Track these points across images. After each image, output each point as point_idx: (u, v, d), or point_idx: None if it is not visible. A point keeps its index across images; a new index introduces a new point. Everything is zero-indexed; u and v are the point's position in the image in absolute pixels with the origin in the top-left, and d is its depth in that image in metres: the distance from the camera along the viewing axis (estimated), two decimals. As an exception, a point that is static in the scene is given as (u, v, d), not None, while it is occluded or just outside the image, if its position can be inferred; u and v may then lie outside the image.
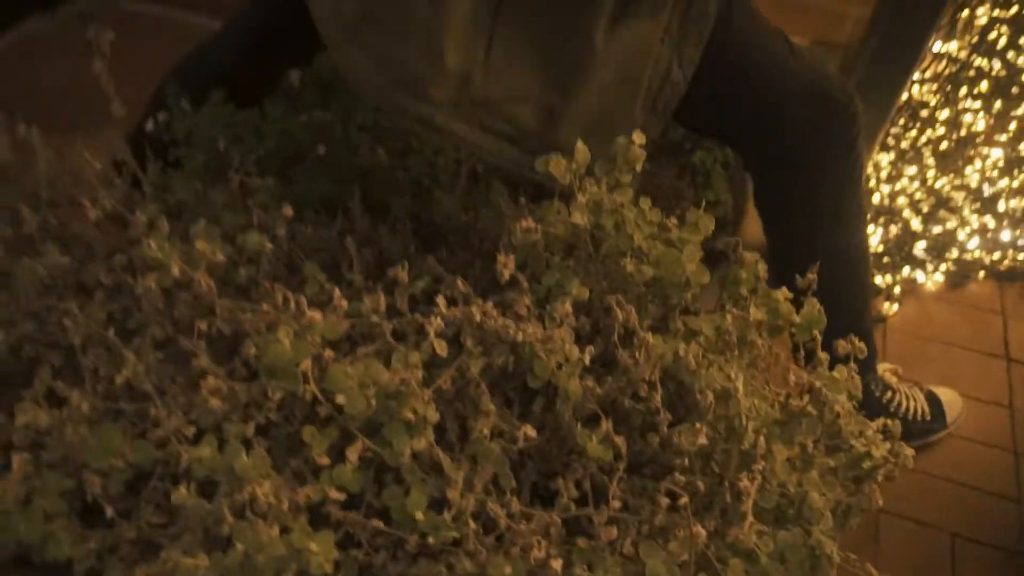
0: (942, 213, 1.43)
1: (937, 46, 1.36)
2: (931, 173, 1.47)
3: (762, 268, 0.67)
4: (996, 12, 1.31)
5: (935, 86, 1.43)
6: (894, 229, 1.45)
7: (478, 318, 0.56)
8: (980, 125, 1.41)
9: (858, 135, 0.89)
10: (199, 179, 0.83)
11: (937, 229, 1.44)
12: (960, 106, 1.42)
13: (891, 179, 1.50)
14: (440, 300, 0.58)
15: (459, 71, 0.69)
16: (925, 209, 1.46)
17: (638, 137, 0.65)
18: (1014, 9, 1.30)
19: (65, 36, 2.07)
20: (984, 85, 1.38)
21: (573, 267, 0.64)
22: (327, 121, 0.97)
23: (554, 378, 0.58)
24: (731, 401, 0.59)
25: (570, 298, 0.62)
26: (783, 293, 0.67)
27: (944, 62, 1.38)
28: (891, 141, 1.51)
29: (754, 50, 0.81)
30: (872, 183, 1.48)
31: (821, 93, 0.85)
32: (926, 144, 1.48)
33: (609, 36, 0.69)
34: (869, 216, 1.47)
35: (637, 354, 0.58)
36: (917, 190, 1.48)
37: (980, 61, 1.36)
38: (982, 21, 1.33)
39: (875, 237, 1.46)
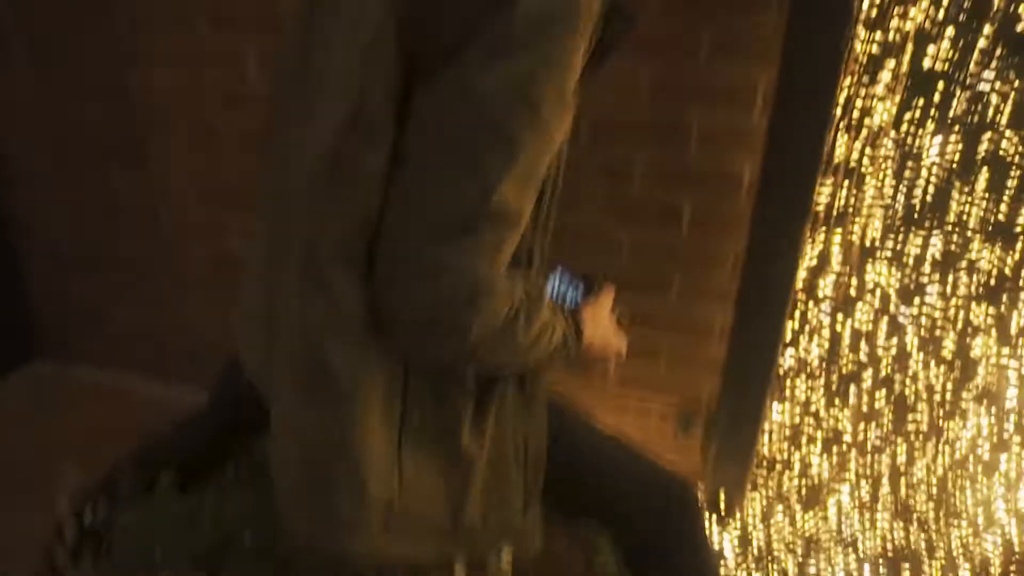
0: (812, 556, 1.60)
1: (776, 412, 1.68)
2: (799, 515, 1.68)
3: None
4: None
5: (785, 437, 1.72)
6: (773, 569, 1.60)
7: None
8: (825, 474, 1.67)
9: (699, 513, 1.07)
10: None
11: (811, 571, 1.59)
12: (806, 453, 1.69)
13: (765, 519, 1.70)
14: None
15: (383, 498, 0.84)
16: (798, 551, 1.63)
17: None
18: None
19: (15, 400, 2.22)
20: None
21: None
22: (257, 509, 1.10)
23: None
24: None
25: None
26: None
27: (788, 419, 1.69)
28: (760, 481, 1.74)
29: (587, 452, 1.01)
30: (749, 528, 1.67)
31: (656, 483, 1.04)
32: (790, 486, 1.72)
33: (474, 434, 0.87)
34: (751, 559, 1.63)
35: None
36: (789, 532, 1.67)
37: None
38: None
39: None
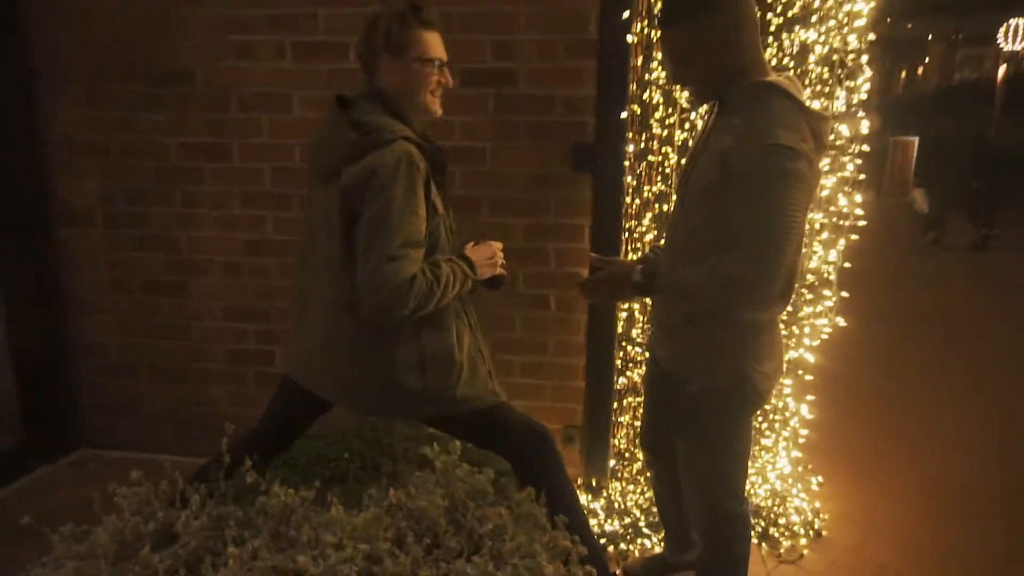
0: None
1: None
2: (641, 488, 2.63)
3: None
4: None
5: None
6: (627, 519, 2.53)
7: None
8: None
9: (549, 445, 1.95)
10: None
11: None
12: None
13: (622, 493, 2.64)
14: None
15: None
16: (640, 509, 2.57)
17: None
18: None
19: (65, 477, 2.91)
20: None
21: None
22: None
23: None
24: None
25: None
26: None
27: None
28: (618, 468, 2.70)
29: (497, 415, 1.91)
30: (613, 497, 2.61)
31: (532, 427, 1.93)
32: (632, 469, 2.68)
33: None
34: (615, 515, 2.55)
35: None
36: (633, 499, 2.61)
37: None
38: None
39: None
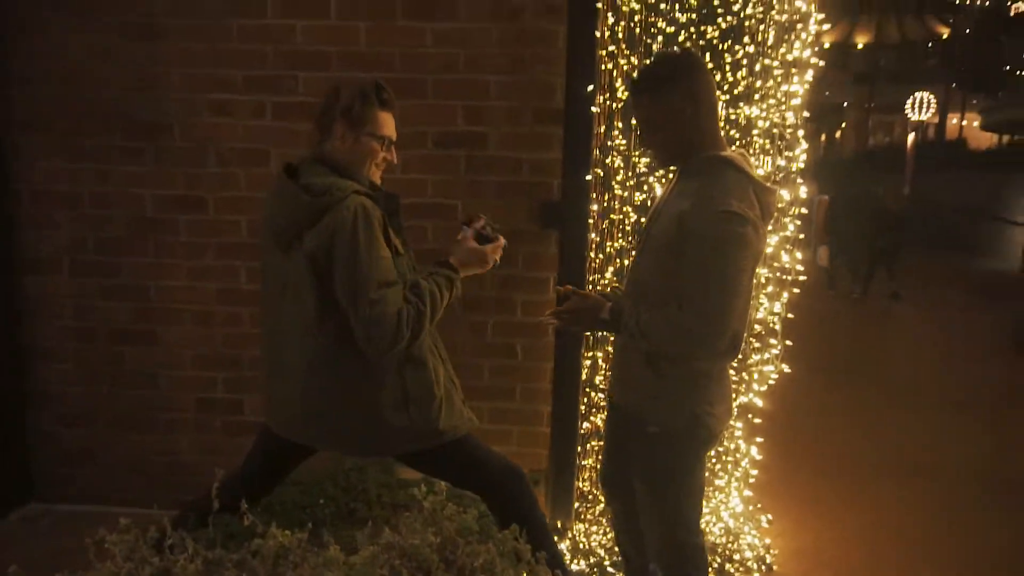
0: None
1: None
2: (603, 528, 2.74)
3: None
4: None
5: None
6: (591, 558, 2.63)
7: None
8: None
9: (524, 483, 2.05)
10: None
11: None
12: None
13: (586, 534, 2.74)
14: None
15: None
16: (604, 549, 2.67)
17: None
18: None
19: (15, 532, 2.81)
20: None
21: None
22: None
23: None
24: None
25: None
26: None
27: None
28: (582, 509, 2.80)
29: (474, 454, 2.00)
30: (578, 537, 2.71)
31: (509, 468, 2.04)
32: (596, 510, 2.79)
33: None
34: (580, 555, 2.65)
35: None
36: (597, 538, 2.72)
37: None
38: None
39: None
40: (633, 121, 2.44)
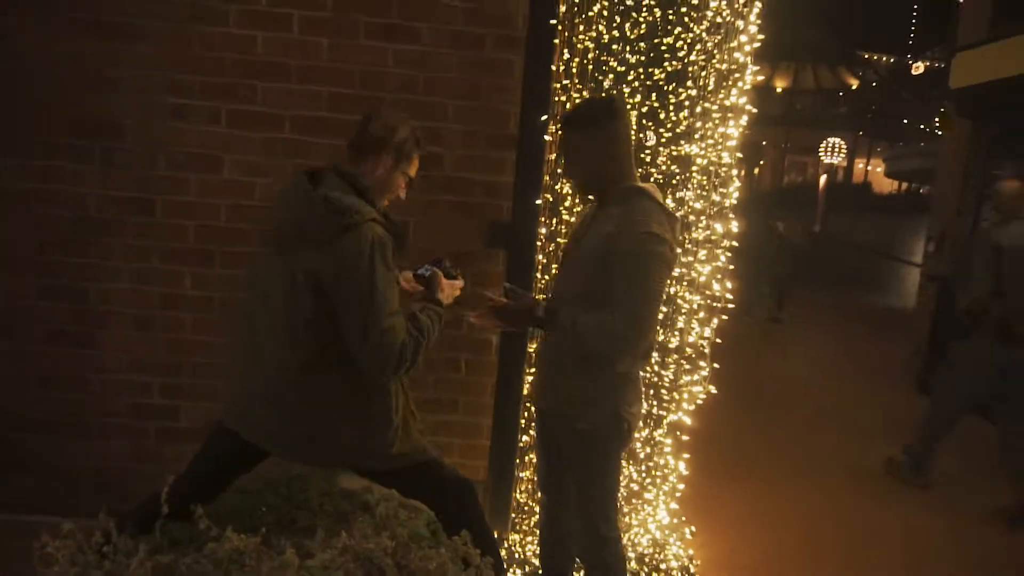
0: None
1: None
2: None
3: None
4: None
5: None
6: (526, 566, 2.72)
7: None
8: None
9: (473, 495, 2.14)
10: None
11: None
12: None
13: (521, 544, 2.83)
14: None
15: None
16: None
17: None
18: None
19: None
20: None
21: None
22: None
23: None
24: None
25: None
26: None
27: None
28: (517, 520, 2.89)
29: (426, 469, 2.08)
30: (514, 547, 2.80)
31: (456, 479, 2.12)
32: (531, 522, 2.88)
33: None
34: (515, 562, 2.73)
35: None
36: (531, 546, 2.81)
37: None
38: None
39: None
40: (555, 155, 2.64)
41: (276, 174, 2.73)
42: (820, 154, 15.65)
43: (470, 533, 1.84)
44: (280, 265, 1.86)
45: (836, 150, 14.94)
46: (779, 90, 28.53)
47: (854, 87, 29.98)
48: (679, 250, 2.09)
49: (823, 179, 15.35)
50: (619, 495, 2.25)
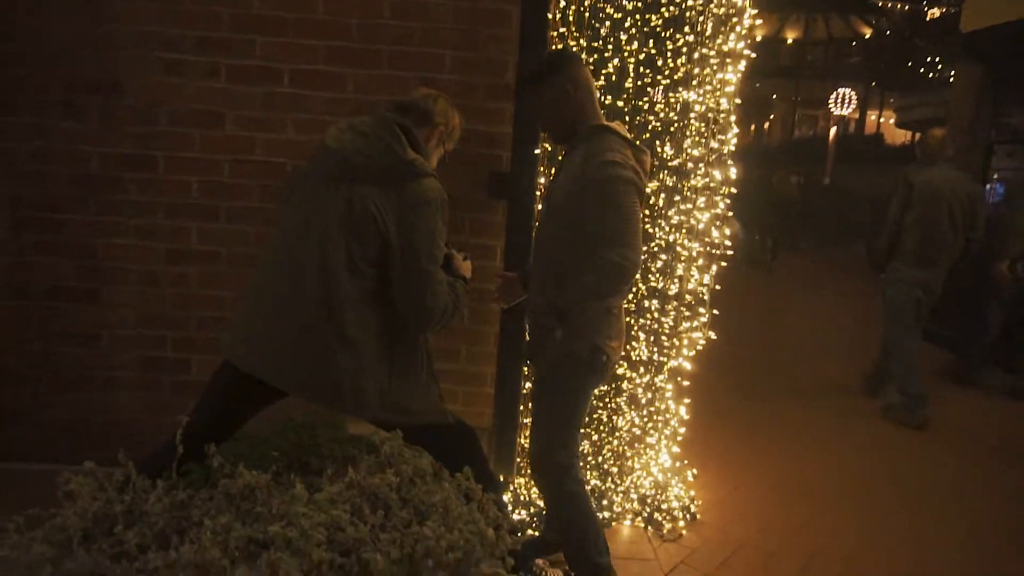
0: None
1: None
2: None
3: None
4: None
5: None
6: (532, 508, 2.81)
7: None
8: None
9: (476, 440, 2.22)
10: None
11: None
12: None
13: (527, 486, 2.92)
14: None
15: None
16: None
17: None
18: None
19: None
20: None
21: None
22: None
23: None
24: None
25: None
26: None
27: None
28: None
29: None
30: (520, 489, 2.89)
31: (461, 425, 2.19)
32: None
33: None
34: (520, 504, 2.82)
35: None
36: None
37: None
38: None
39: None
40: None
41: (276, 129, 2.76)
42: (831, 106, 15.39)
43: (475, 476, 1.92)
44: (328, 200, 1.86)
45: (847, 101, 14.68)
46: (789, 41, 27.89)
47: (867, 36, 29.26)
48: (645, 179, 2.11)
49: (832, 131, 15.13)
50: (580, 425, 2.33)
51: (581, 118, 2.09)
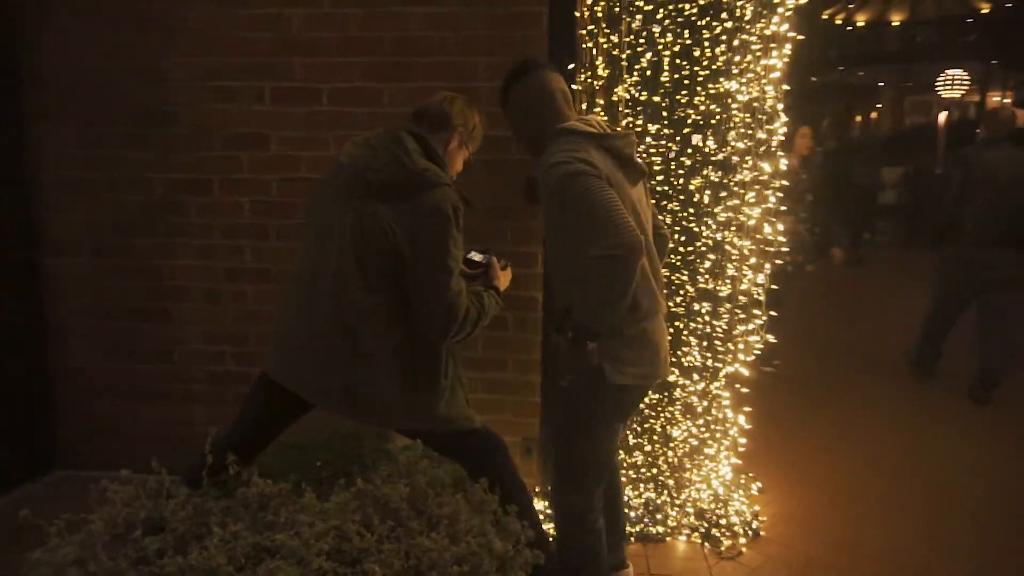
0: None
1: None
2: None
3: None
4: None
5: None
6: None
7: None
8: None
9: (506, 450, 2.15)
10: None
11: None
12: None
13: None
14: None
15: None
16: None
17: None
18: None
19: (39, 496, 3.01)
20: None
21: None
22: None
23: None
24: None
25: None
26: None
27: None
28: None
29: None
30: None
31: (488, 435, 2.14)
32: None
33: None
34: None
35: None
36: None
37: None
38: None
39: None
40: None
41: (319, 147, 2.84)
42: (937, 89, 14.25)
43: (502, 489, 1.87)
44: (342, 215, 1.88)
45: (957, 83, 13.55)
46: (895, 23, 26.11)
47: (984, 11, 26.92)
48: (629, 165, 1.98)
49: (942, 116, 14.00)
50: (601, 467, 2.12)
51: (547, 126, 1.99)
